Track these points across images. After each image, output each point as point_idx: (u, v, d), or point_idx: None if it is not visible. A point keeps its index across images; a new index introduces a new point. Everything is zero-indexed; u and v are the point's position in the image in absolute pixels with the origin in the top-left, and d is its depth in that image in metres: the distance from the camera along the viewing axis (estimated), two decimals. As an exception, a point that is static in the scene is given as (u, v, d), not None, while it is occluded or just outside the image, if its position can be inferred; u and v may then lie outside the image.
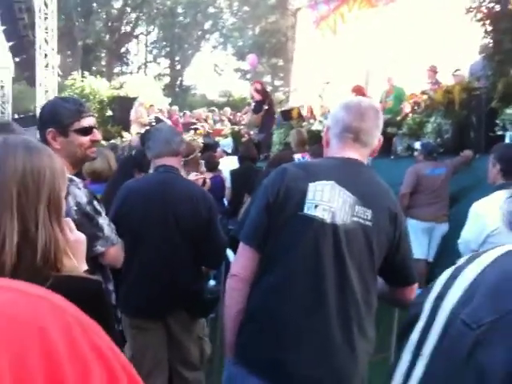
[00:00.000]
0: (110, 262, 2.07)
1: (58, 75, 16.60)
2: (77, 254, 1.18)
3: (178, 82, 32.41)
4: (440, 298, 0.73)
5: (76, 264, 1.14)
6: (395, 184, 4.23)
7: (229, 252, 2.88)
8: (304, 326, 1.62)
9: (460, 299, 0.70)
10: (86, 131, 2.00)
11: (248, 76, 26.29)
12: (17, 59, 18.59)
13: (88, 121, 2.01)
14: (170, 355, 2.68)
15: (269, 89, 14.49)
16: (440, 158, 5.13)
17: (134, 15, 32.11)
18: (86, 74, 17.01)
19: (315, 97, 9.95)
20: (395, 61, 10.21)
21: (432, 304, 0.74)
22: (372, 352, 1.72)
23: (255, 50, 26.54)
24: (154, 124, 9.63)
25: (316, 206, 1.66)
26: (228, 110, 13.99)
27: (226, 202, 5.59)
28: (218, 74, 32.25)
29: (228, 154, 7.13)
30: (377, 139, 1.82)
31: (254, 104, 10.26)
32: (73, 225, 1.21)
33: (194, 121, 12.25)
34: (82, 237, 1.24)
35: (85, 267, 1.24)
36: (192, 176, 2.99)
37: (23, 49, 17.84)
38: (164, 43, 33.23)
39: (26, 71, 18.43)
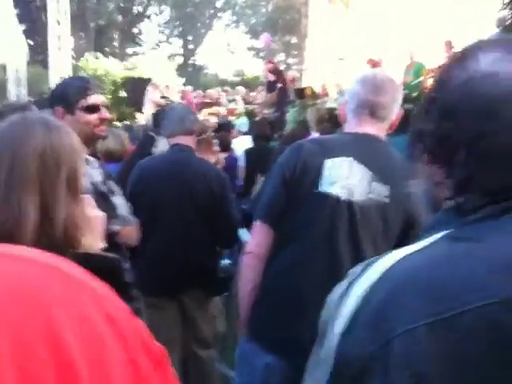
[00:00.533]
0: (125, 240, 2.08)
1: (72, 57, 16.60)
2: (96, 231, 1.19)
3: (191, 62, 32.20)
4: (334, 318, 0.67)
5: (93, 242, 1.15)
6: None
7: (242, 230, 2.89)
8: (320, 302, 1.62)
9: (350, 319, 0.64)
10: (93, 109, 1.98)
11: (261, 54, 26.00)
12: (30, 42, 18.61)
13: (94, 98, 1.99)
14: (184, 333, 2.71)
15: (282, 67, 14.35)
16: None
17: (145, -5, 31.84)
18: (99, 55, 16.97)
19: (329, 74, 9.84)
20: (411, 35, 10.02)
21: (328, 325, 0.69)
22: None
23: (268, 27, 26.19)
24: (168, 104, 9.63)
25: (333, 183, 1.65)
26: (241, 89, 13.88)
27: (239, 182, 5.58)
28: (231, 52, 31.98)
29: (243, 134, 7.09)
30: (394, 114, 1.77)
31: (267, 84, 10.20)
32: (93, 202, 1.22)
33: (207, 101, 12.19)
34: (101, 214, 1.25)
35: (102, 245, 1.25)
36: None
37: (36, 32, 17.87)
38: (176, 23, 32.95)
39: (39, 54, 18.49)
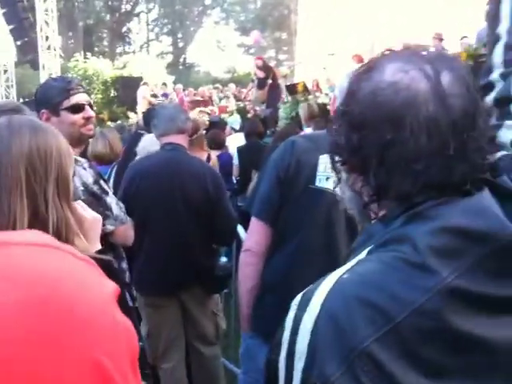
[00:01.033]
0: (120, 240, 2.07)
1: (61, 57, 16.50)
2: (92, 233, 1.17)
3: (182, 60, 32.13)
4: (290, 355, 0.68)
5: (87, 244, 1.13)
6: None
7: (239, 228, 2.87)
8: None
9: (308, 354, 0.65)
10: (78, 108, 1.95)
11: (251, 51, 25.98)
12: (18, 42, 18.46)
13: (78, 97, 1.96)
14: (186, 331, 2.71)
15: (273, 63, 14.34)
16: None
17: (133, -7, 31.69)
18: (89, 54, 16.89)
19: (320, 69, 9.84)
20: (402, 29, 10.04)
21: (285, 363, 0.69)
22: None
23: (258, 24, 26.20)
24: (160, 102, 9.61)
25: (328, 178, 1.64)
26: (233, 86, 13.86)
27: (234, 180, 5.57)
28: (221, 49, 31.95)
29: (236, 131, 7.07)
30: None
31: (257, 80, 10.18)
32: (84, 205, 1.21)
33: (198, 98, 12.17)
34: (97, 216, 1.23)
35: (99, 246, 1.24)
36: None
37: (24, 32, 17.69)
38: (165, 20, 32.85)
39: (28, 54, 18.33)
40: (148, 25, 33.07)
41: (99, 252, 1.24)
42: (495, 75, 0.88)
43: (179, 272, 2.56)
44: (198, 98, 12.16)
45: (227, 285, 2.87)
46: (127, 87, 13.43)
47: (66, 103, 1.94)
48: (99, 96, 14.62)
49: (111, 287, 0.74)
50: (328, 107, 6.46)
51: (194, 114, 9.24)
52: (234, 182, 5.56)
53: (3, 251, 0.73)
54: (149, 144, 3.14)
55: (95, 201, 1.90)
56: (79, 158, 1.94)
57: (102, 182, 1.97)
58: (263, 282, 1.73)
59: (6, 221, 0.93)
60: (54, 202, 1.00)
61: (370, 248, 0.72)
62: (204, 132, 4.98)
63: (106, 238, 1.94)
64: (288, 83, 9.64)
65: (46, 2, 15.15)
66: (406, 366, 0.62)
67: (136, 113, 11.18)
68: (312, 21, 13.68)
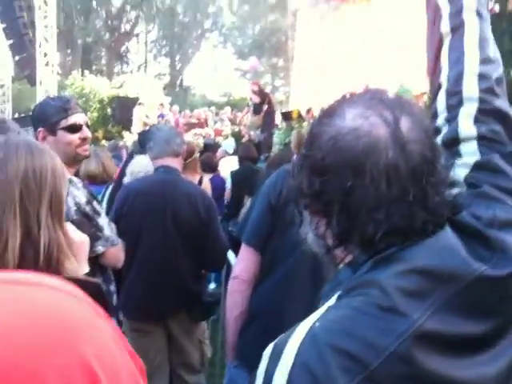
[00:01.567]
0: (110, 262, 2.06)
1: (58, 74, 16.57)
2: (80, 255, 1.17)
3: (178, 82, 32.36)
4: None
5: (77, 266, 1.13)
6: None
7: (230, 254, 2.86)
8: None
9: None
10: (74, 129, 1.96)
11: (248, 75, 26.25)
12: (16, 58, 18.54)
13: (75, 118, 1.97)
14: (171, 358, 2.67)
15: (269, 89, 14.50)
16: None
17: (133, 14, 32.03)
18: (86, 72, 16.97)
19: (316, 96, 9.94)
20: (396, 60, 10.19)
21: None
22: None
23: (255, 49, 26.53)
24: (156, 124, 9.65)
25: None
26: (228, 109, 13.96)
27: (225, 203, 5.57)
28: (218, 73, 32.23)
29: (230, 155, 7.11)
30: None
31: (253, 105, 10.26)
32: (74, 226, 1.21)
33: (194, 121, 12.23)
34: (85, 238, 1.24)
35: (87, 269, 1.23)
36: None
37: (23, 47, 17.78)
38: (164, 42, 33.19)
39: (25, 70, 18.39)
40: (147, 45, 33.39)
41: (88, 274, 1.24)
42: (440, 120, 0.91)
43: (167, 297, 2.53)
44: (194, 121, 12.22)
45: (215, 312, 2.84)
46: (123, 107, 13.48)
47: (64, 123, 1.94)
48: (95, 114, 14.65)
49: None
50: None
51: (188, 136, 9.29)
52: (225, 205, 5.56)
53: None
54: (137, 169, 3.15)
55: (87, 221, 1.90)
56: (73, 178, 1.94)
57: (94, 202, 1.97)
58: (249, 309, 1.73)
59: None
60: (46, 223, 1.00)
61: (339, 293, 0.72)
62: (198, 155, 5.01)
63: (95, 259, 1.94)
64: (283, 109, 9.74)
65: (46, 19, 15.27)
66: None
67: (131, 133, 11.20)
68: (308, 49, 13.87)
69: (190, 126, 11.42)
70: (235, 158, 6.15)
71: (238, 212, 4.83)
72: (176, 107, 13.69)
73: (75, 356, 0.53)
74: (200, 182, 4.35)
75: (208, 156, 5.81)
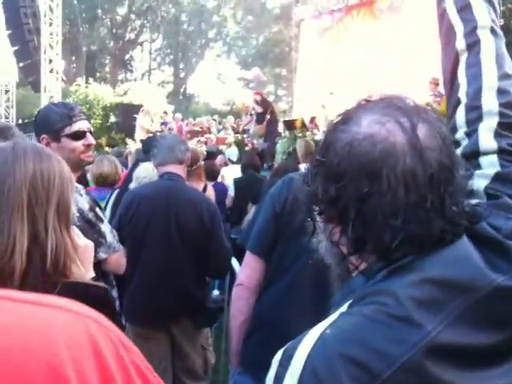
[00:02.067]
0: (112, 268, 2.06)
1: (62, 81, 16.66)
2: (85, 260, 1.17)
3: (182, 90, 32.51)
4: None
5: (84, 271, 1.13)
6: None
7: (234, 261, 2.85)
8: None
9: None
10: (79, 136, 1.96)
11: (251, 85, 26.37)
12: (21, 64, 18.65)
13: (79, 125, 1.97)
14: (174, 364, 2.66)
15: (272, 98, 14.56)
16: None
17: (138, 22, 32.27)
18: (90, 80, 17.07)
19: (319, 107, 9.97)
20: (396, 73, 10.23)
21: None
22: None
23: (258, 59, 26.68)
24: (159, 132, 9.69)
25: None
26: (231, 118, 14.01)
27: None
28: (221, 82, 32.39)
29: (233, 163, 7.12)
30: None
31: (256, 115, 10.30)
32: (79, 231, 1.21)
33: (197, 129, 12.27)
34: (90, 243, 1.23)
35: (92, 274, 1.23)
36: None
37: (28, 54, 17.90)
38: (168, 51, 33.39)
39: (30, 76, 18.50)
40: (151, 54, 33.60)
41: (93, 279, 1.24)
42: (459, 134, 0.91)
43: (170, 303, 2.53)
44: (197, 129, 12.26)
45: (218, 318, 2.84)
46: (127, 114, 13.54)
47: (68, 130, 1.94)
48: (98, 121, 14.71)
49: None
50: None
51: (191, 144, 9.32)
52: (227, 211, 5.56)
53: None
54: (142, 175, 3.17)
55: (90, 228, 1.90)
56: (76, 184, 1.94)
57: (97, 209, 1.97)
58: (253, 317, 1.72)
59: (6, 242, 0.93)
60: (53, 227, 1.00)
61: (351, 301, 0.70)
62: (202, 163, 5.02)
63: (98, 265, 1.93)
64: (286, 119, 9.77)
65: (51, 26, 15.40)
66: None
67: (134, 140, 11.24)
68: (312, 59, 13.94)
69: (194, 134, 11.44)
70: (238, 167, 6.16)
71: (240, 220, 4.83)
72: (179, 115, 13.74)
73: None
74: (204, 189, 4.35)
75: (208, 164, 5.81)
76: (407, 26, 10.79)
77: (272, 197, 1.76)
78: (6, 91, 18.93)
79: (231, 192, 5.36)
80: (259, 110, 10.01)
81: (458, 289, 0.66)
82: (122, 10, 31.19)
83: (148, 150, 3.31)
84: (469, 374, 0.64)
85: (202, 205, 2.60)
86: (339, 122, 0.76)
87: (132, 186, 3.23)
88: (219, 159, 7.22)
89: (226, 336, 3.08)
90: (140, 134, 11.10)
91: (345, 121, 0.75)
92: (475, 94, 0.91)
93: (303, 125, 8.47)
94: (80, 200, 1.89)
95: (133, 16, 31.69)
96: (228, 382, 1.86)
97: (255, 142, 9.46)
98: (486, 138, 0.87)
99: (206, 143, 10.36)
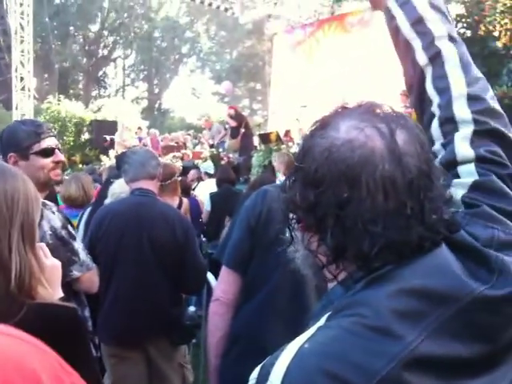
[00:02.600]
0: (85, 287, 2.02)
1: (35, 98, 16.46)
2: (52, 280, 1.14)
3: (157, 105, 32.44)
4: None
5: (51, 291, 1.10)
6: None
7: (210, 277, 2.82)
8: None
9: None
10: (47, 153, 1.93)
11: (226, 99, 26.47)
12: (-9, 82, 18.41)
13: (48, 142, 1.94)
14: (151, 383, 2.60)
15: (247, 112, 14.63)
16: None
17: (111, 39, 32.19)
18: (62, 97, 16.90)
19: (293, 120, 10.05)
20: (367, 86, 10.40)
21: None
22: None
23: (232, 73, 26.84)
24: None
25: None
26: (206, 132, 14.01)
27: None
28: (196, 97, 32.43)
29: (211, 176, 7.10)
30: None
31: (230, 129, 10.33)
32: (47, 250, 1.18)
33: (173, 144, 12.23)
34: (57, 263, 1.20)
35: (60, 294, 1.20)
36: None
37: (-1, 72, 17.71)
38: (142, 67, 33.34)
39: (1, 94, 18.26)
40: (124, 70, 33.49)
41: (62, 299, 1.20)
42: (437, 146, 0.91)
43: (145, 321, 2.47)
44: (173, 144, 12.22)
45: (195, 335, 2.79)
46: (100, 131, 13.43)
47: (37, 147, 1.91)
48: (71, 138, 14.56)
49: None
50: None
51: (167, 159, 9.27)
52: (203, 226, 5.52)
53: None
54: (118, 191, 3.13)
55: (63, 245, 1.86)
56: (48, 202, 1.91)
57: (69, 227, 1.94)
58: (230, 332, 1.70)
59: None
60: (17, 247, 0.98)
61: (329, 313, 0.69)
62: (179, 178, 4.98)
63: (68, 284, 1.89)
64: (261, 132, 9.82)
65: (22, 43, 15.22)
66: None
67: (108, 156, 11.13)
68: (285, 73, 14.09)
69: (169, 149, 11.40)
70: (213, 181, 6.14)
71: (218, 234, 4.80)
72: (153, 130, 13.69)
73: None
74: (180, 203, 4.30)
75: (182, 180, 5.78)
76: (378, 40, 10.99)
77: (247, 210, 1.75)
78: (-24, 110, 18.60)
79: (207, 206, 5.34)
80: (233, 124, 10.04)
81: (438, 299, 0.65)
82: (94, 27, 31.10)
83: (121, 166, 3.27)
84: (457, 382, 0.63)
85: (175, 219, 2.56)
86: (317, 127, 0.75)
87: (107, 202, 3.18)
88: (192, 174, 7.19)
89: (203, 353, 3.04)
90: (119, 150, 11.01)
91: (323, 126, 0.74)
92: (447, 105, 0.90)
93: (278, 138, 8.53)
94: (52, 218, 1.86)
95: (105, 32, 31.59)
96: (206, 400, 1.83)
97: (231, 155, 9.47)
98: (463, 146, 0.86)
99: (182, 158, 10.32)
